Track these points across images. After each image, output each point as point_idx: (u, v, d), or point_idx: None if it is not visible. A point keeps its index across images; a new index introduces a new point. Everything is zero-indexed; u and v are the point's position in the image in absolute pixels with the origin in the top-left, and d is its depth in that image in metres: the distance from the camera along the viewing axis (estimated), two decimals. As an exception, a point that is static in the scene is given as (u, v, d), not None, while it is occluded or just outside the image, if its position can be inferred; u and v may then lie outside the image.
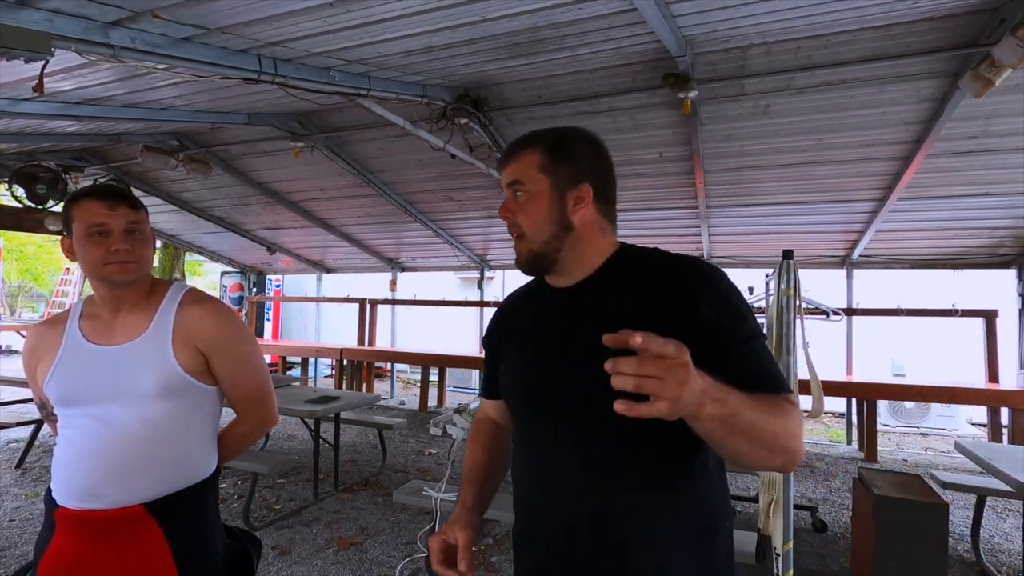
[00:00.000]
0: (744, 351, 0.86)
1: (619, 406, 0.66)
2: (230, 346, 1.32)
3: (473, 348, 8.26)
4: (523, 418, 1.05)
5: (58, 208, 5.58)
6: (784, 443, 0.80)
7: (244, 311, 9.50)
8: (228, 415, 1.38)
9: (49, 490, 1.25)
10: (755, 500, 3.25)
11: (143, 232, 1.27)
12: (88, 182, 5.75)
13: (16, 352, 14.63)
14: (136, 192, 5.88)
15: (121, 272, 1.23)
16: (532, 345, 1.02)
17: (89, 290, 1.36)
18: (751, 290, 3.53)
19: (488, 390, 1.19)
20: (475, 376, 8.82)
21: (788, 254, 2.30)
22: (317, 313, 9.34)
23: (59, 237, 1.32)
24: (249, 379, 1.37)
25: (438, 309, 8.19)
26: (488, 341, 1.17)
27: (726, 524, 0.96)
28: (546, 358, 0.98)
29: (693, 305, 0.87)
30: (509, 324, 1.12)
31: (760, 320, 0.95)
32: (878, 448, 5.40)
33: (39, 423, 4.90)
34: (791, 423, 0.81)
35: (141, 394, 1.21)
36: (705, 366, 0.73)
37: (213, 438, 1.34)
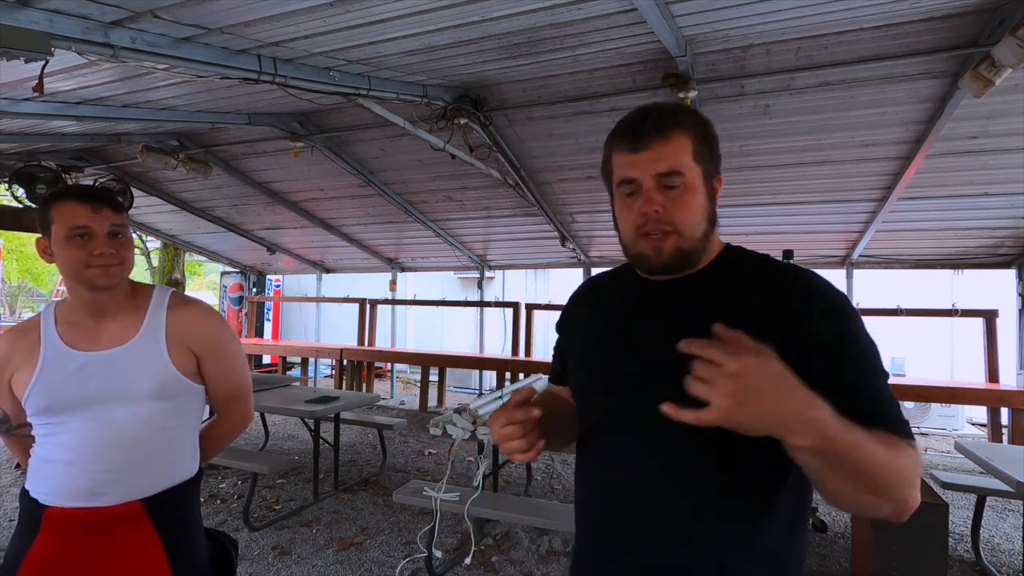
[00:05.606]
0: (867, 389, 0.78)
1: (666, 407, 0.61)
2: (222, 347, 1.34)
3: (473, 348, 8.26)
4: (590, 411, 0.97)
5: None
6: (898, 492, 0.71)
7: (244, 311, 9.50)
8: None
9: (26, 492, 1.21)
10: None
11: (125, 235, 1.25)
12: (88, 182, 5.75)
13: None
14: (136, 192, 5.95)
15: (104, 276, 1.20)
16: (612, 336, 0.94)
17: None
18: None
19: (556, 375, 1.10)
20: (475, 376, 8.81)
21: (788, 254, 2.31)
22: (317, 313, 9.34)
23: None
24: (236, 379, 1.39)
25: (438, 309, 8.19)
26: (563, 325, 1.07)
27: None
28: (627, 351, 0.90)
29: (803, 320, 0.78)
30: (588, 309, 1.02)
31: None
32: (878, 448, 5.39)
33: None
34: (909, 467, 0.72)
35: (138, 395, 1.21)
36: (821, 395, 0.66)
37: (196, 437, 1.36)
